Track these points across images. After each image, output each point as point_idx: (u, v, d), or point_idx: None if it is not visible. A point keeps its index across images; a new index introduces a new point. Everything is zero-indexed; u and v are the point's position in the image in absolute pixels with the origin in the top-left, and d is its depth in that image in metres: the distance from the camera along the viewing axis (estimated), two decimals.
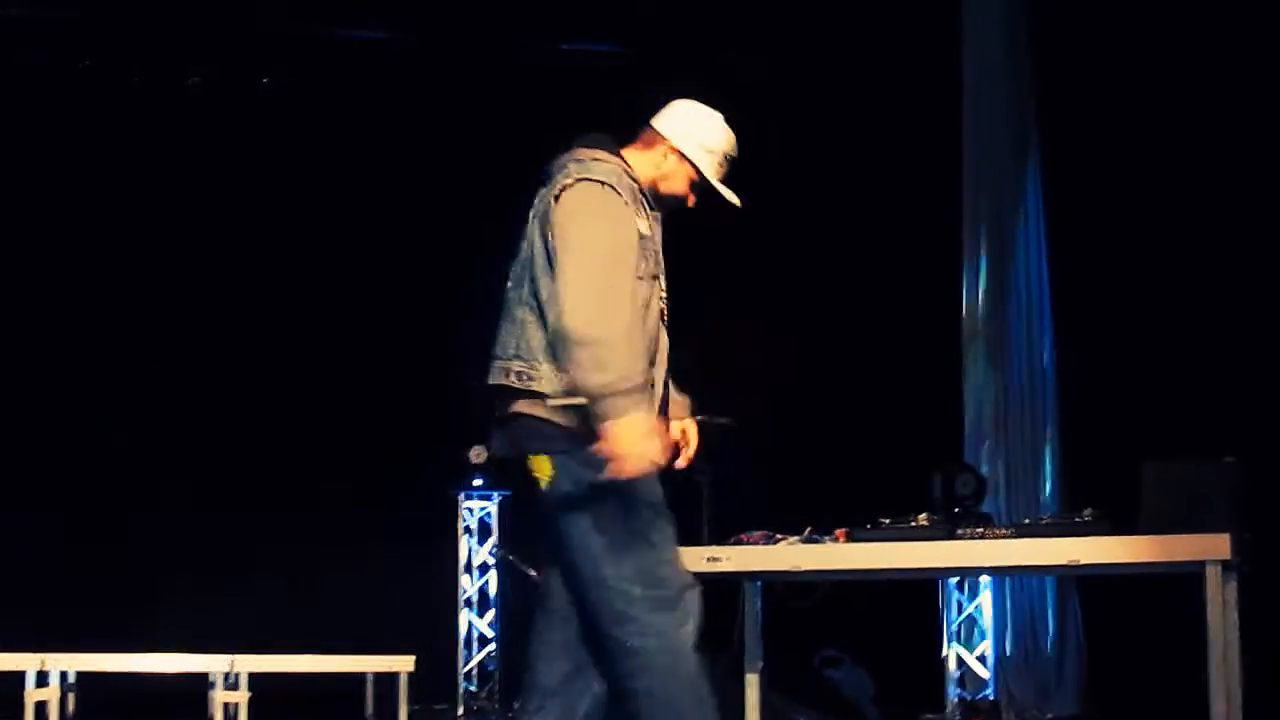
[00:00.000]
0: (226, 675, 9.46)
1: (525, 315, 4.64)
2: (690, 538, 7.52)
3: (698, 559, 7.05)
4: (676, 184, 4.84)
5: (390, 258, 11.65)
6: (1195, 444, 7.42)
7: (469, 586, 11.75)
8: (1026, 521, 7.52)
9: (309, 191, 11.63)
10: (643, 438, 4.37)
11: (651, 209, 4.77)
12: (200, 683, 9.69)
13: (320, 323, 11.61)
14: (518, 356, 4.63)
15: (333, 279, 11.63)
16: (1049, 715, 10.04)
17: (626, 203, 4.60)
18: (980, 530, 7.09)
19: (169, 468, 11.37)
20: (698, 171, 4.85)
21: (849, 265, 10.92)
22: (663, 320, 4.74)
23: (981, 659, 10.29)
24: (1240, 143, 9.42)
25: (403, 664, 10.05)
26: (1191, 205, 9.71)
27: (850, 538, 7.14)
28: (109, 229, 11.50)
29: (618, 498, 4.48)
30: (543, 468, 4.58)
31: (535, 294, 4.61)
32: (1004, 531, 7.08)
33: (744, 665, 7.51)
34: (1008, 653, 10.33)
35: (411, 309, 11.57)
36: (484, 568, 11.78)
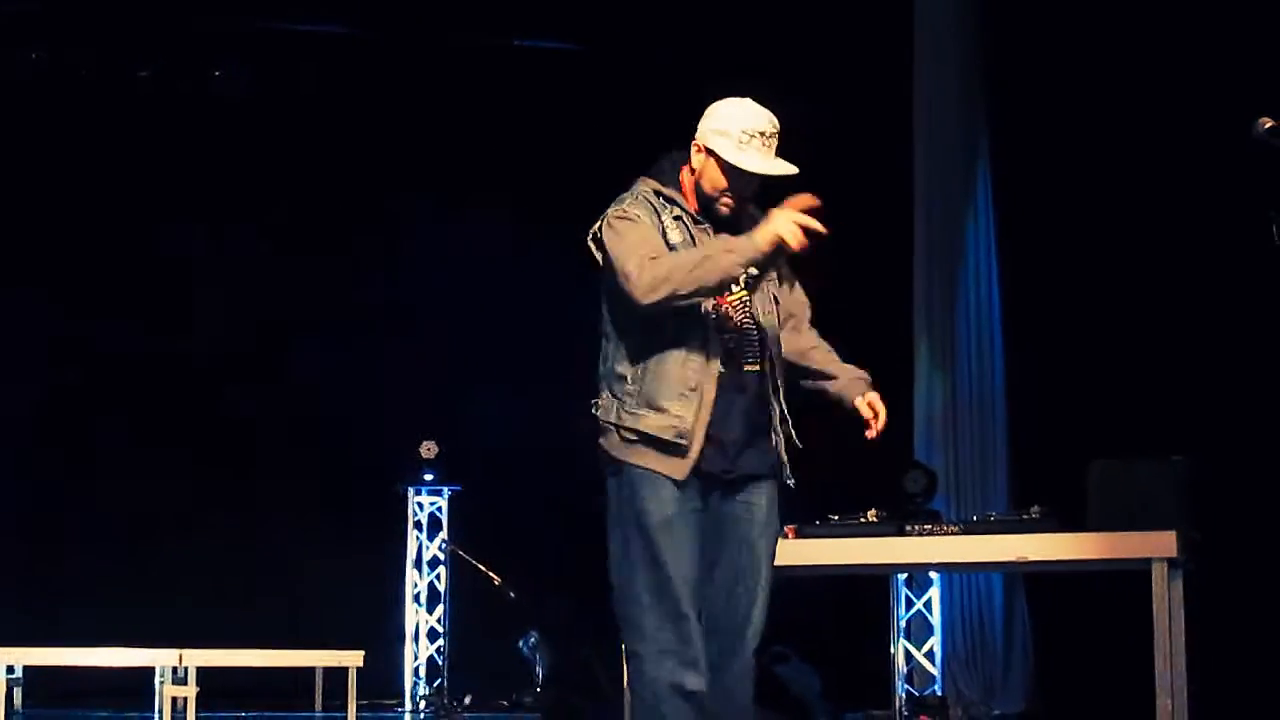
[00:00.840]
0: (174, 670, 9.41)
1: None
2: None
3: None
4: (710, 178, 4.92)
5: (343, 249, 11.64)
6: (1143, 443, 7.48)
7: (418, 581, 11.73)
8: (975, 518, 7.56)
9: (264, 186, 11.61)
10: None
11: (697, 221, 4.92)
12: (148, 676, 9.65)
13: (270, 315, 11.59)
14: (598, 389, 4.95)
15: (286, 271, 11.60)
16: (996, 711, 10.09)
17: (632, 217, 4.85)
18: (929, 527, 7.12)
19: (118, 462, 11.32)
20: (716, 157, 4.91)
21: (804, 262, 10.92)
22: (733, 320, 4.93)
23: (929, 655, 10.33)
24: (1186, 146, 9.46)
25: (352, 659, 10.02)
26: (1138, 209, 9.76)
27: (799, 533, 7.16)
28: (60, 221, 11.45)
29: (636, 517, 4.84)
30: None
31: (600, 330, 4.96)
32: (953, 528, 7.12)
33: None
34: (956, 649, 10.37)
35: (365, 301, 11.56)
36: (433, 562, 11.77)
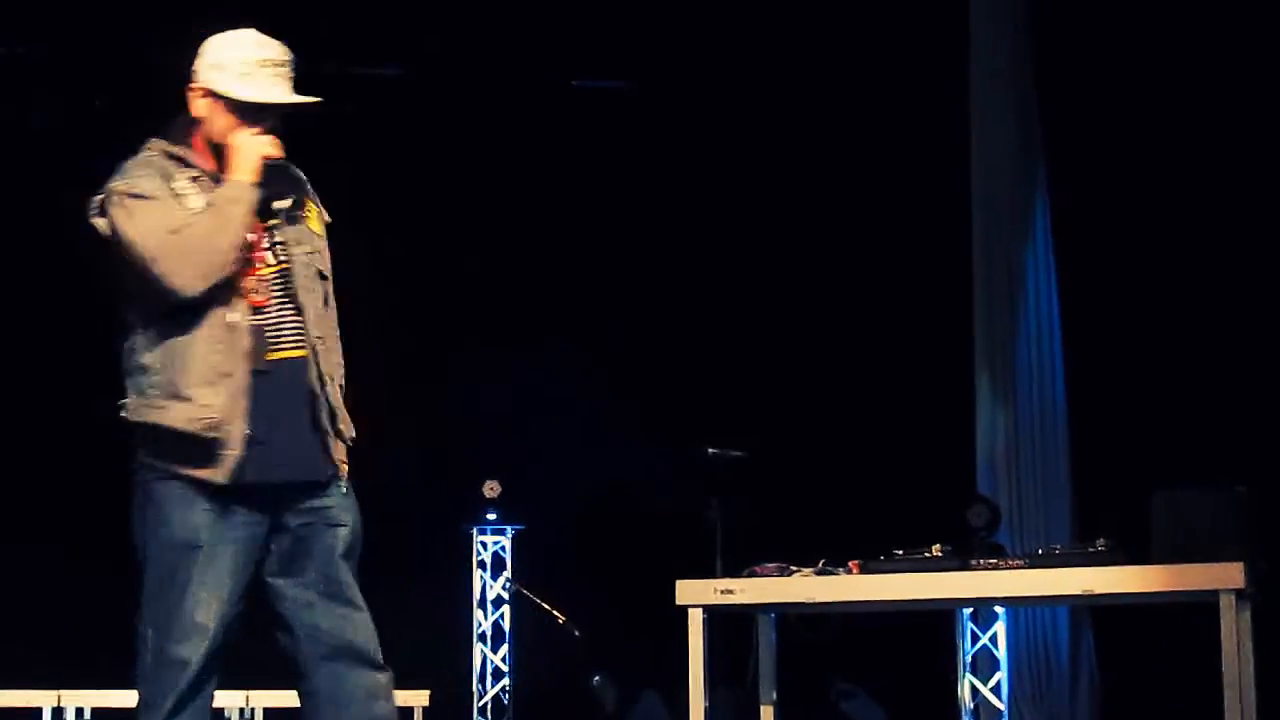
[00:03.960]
0: (242, 710, 9.46)
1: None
2: (704, 569, 7.55)
3: (710, 591, 7.06)
4: (219, 124, 4.35)
5: (394, 286, 11.69)
6: (1208, 473, 7.44)
7: (483, 621, 11.76)
8: (1040, 552, 7.52)
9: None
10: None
11: (217, 181, 4.32)
12: (216, 718, 9.68)
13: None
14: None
15: (344, 306, 11.64)
16: None
17: (146, 194, 4.26)
18: (994, 561, 7.09)
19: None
20: (217, 96, 4.35)
21: (863, 299, 10.94)
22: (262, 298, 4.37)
23: (995, 690, 10.28)
24: (1247, 172, 9.44)
25: (418, 698, 10.04)
26: (1199, 235, 9.73)
27: (864, 569, 7.14)
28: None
29: (149, 532, 4.45)
30: None
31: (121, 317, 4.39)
32: (1018, 562, 7.08)
33: (758, 697, 7.51)
34: (1022, 684, 10.32)
35: (425, 340, 11.60)
36: (498, 602, 11.79)
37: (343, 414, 4.59)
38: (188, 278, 4.18)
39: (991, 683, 10.29)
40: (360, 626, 4.72)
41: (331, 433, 4.55)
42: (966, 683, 10.24)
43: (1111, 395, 10.09)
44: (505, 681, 11.68)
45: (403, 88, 11.80)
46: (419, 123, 11.73)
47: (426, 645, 11.28)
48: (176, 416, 4.24)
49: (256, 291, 4.32)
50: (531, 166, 11.55)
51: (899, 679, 9.62)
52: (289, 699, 9.67)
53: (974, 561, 7.10)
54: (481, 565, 11.82)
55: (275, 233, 4.39)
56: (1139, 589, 6.71)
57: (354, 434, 4.67)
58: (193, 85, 4.37)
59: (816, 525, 9.74)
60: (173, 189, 4.28)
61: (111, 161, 4.35)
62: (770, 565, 7.20)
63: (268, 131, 4.35)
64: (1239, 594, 6.40)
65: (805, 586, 7.09)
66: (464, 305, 11.96)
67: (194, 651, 4.48)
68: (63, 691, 9.35)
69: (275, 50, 4.37)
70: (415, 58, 11.75)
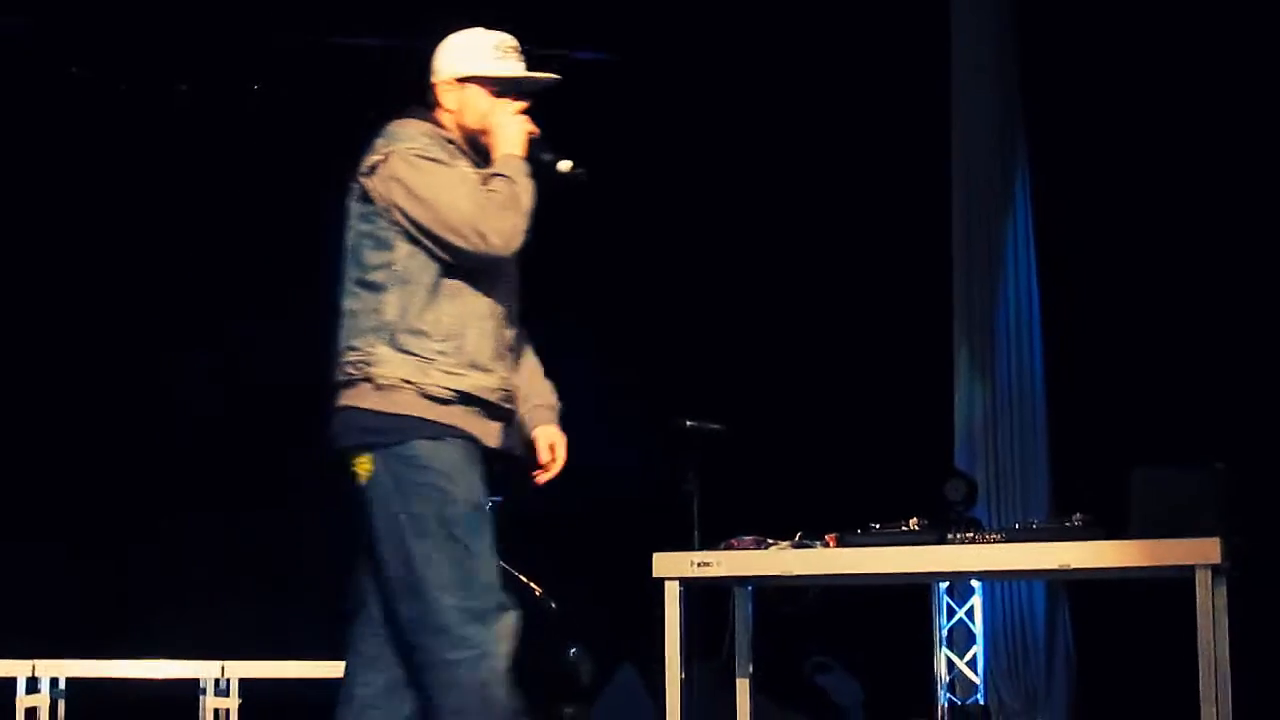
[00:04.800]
0: (217, 681, 9.44)
1: (352, 304, 4.48)
2: (680, 543, 7.54)
3: (687, 564, 7.06)
4: (473, 110, 4.55)
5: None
6: (1186, 450, 7.45)
7: None
8: (1017, 526, 7.53)
9: (301, 199, 11.62)
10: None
11: (477, 164, 4.51)
12: (191, 689, 9.67)
13: (314, 328, 11.59)
14: (350, 348, 4.45)
15: (327, 285, 11.61)
16: None
17: (441, 159, 4.41)
18: (971, 535, 7.09)
19: (165, 473, 11.35)
20: (477, 80, 4.56)
21: (841, 272, 10.93)
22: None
23: (972, 664, 10.30)
24: (1227, 149, 9.44)
25: None
26: (1179, 212, 9.73)
27: (841, 542, 7.15)
28: (100, 237, 11.48)
29: (439, 501, 4.35)
30: (363, 464, 4.44)
31: (359, 280, 4.47)
32: (994, 536, 7.09)
33: (734, 671, 7.51)
34: (998, 658, 10.34)
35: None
36: None
37: None
38: (506, 235, 4.31)
39: (967, 657, 10.31)
40: None
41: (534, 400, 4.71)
42: (942, 656, 10.25)
43: (1090, 371, 10.09)
44: None
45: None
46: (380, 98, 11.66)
47: None
48: (477, 384, 4.36)
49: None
50: None
51: (875, 652, 9.62)
52: (264, 669, 9.72)
53: (951, 535, 7.11)
54: None
55: None
56: (1116, 564, 6.73)
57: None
58: (439, 80, 4.57)
59: (793, 498, 9.75)
60: (455, 162, 4.43)
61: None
62: (747, 538, 7.21)
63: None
64: (1215, 569, 6.42)
65: (782, 559, 7.10)
66: None
67: (498, 595, 4.42)
68: (37, 661, 9.32)
69: (513, 38, 4.59)
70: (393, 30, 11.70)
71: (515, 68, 4.55)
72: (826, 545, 7.15)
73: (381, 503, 4.41)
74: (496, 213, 4.30)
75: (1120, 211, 9.97)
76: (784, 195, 11.03)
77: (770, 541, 7.20)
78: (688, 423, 7.72)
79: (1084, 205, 10.21)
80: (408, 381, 4.32)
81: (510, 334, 4.52)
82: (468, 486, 4.39)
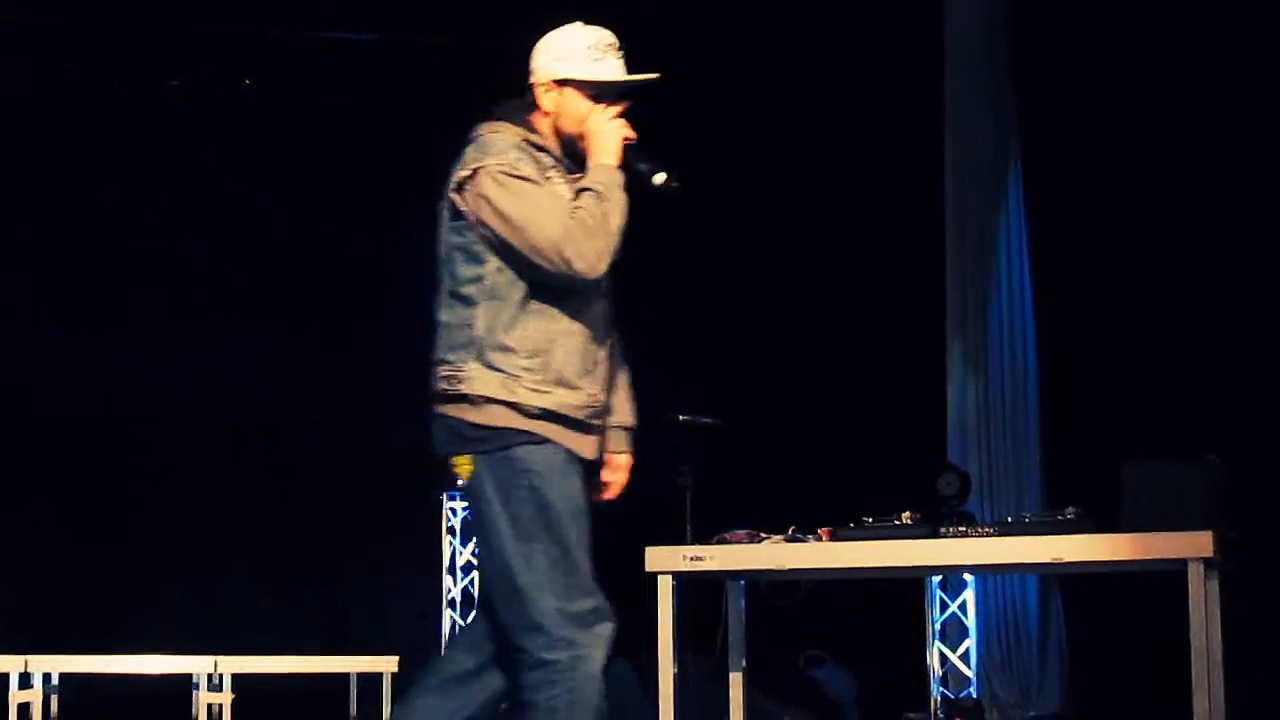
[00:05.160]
0: (210, 676, 9.45)
1: (446, 316, 4.51)
2: (673, 537, 7.54)
3: (680, 558, 7.06)
4: (573, 112, 4.52)
5: (369, 255, 11.65)
6: (1178, 443, 7.45)
7: (453, 587, 11.75)
8: (1010, 520, 7.53)
9: (291, 191, 11.63)
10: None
11: (571, 170, 4.50)
12: (184, 683, 9.68)
13: (303, 319, 11.60)
14: (444, 361, 4.49)
15: (317, 276, 11.62)
16: (1032, 713, 10.07)
17: (530, 177, 4.39)
18: (964, 529, 7.10)
19: (151, 468, 11.35)
20: (574, 83, 4.52)
21: (834, 266, 10.93)
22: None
23: (965, 658, 10.31)
24: (1220, 144, 9.45)
25: (387, 664, 10.06)
26: (1172, 207, 9.73)
27: (834, 536, 7.14)
28: (94, 232, 11.48)
29: (538, 502, 4.39)
30: (463, 464, 4.51)
31: (452, 291, 4.48)
32: (987, 530, 7.09)
33: (727, 665, 7.51)
34: (991, 652, 10.35)
35: (398, 305, 11.55)
36: (467, 568, 11.78)
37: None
38: (591, 260, 4.32)
39: (960, 650, 10.32)
40: None
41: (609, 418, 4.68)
42: (935, 650, 10.26)
43: (1083, 365, 10.10)
44: None
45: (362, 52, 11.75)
46: (370, 89, 11.66)
47: (396, 611, 11.29)
48: (561, 401, 4.40)
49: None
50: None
51: (868, 646, 9.63)
52: (256, 664, 9.73)
53: (944, 529, 7.11)
54: (451, 531, 11.81)
55: None
56: (1108, 557, 6.73)
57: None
58: (536, 81, 4.53)
59: (787, 492, 9.75)
60: (546, 176, 4.41)
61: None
62: (740, 532, 7.20)
63: (620, 114, 4.51)
64: (1207, 563, 6.41)
65: (775, 553, 7.09)
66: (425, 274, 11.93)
67: (597, 599, 4.42)
68: (30, 657, 9.33)
69: (611, 35, 4.54)
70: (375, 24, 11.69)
71: (613, 68, 4.52)
72: (820, 539, 7.15)
73: (484, 501, 4.47)
74: (583, 236, 4.31)
75: (1113, 207, 9.98)
76: (778, 191, 11.02)
77: (763, 535, 7.19)
78: (681, 417, 7.73)
79: (1077, 201, 10.22)
80: (497, 399, 4.38)
81: (601, 350, 4.54)
82: (564, 490, 4.43)
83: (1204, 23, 9.65)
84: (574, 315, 4.45)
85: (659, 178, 4.50)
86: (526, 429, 4.39)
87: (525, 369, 4.38)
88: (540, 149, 4.47)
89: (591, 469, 4.57)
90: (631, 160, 4.50)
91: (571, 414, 4.42)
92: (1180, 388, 9.42)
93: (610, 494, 4.75)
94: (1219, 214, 9.49)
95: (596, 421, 4.51)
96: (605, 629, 4.40)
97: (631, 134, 4.50)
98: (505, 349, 4.39)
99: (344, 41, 11.70)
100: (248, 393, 11.57)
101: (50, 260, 11.52)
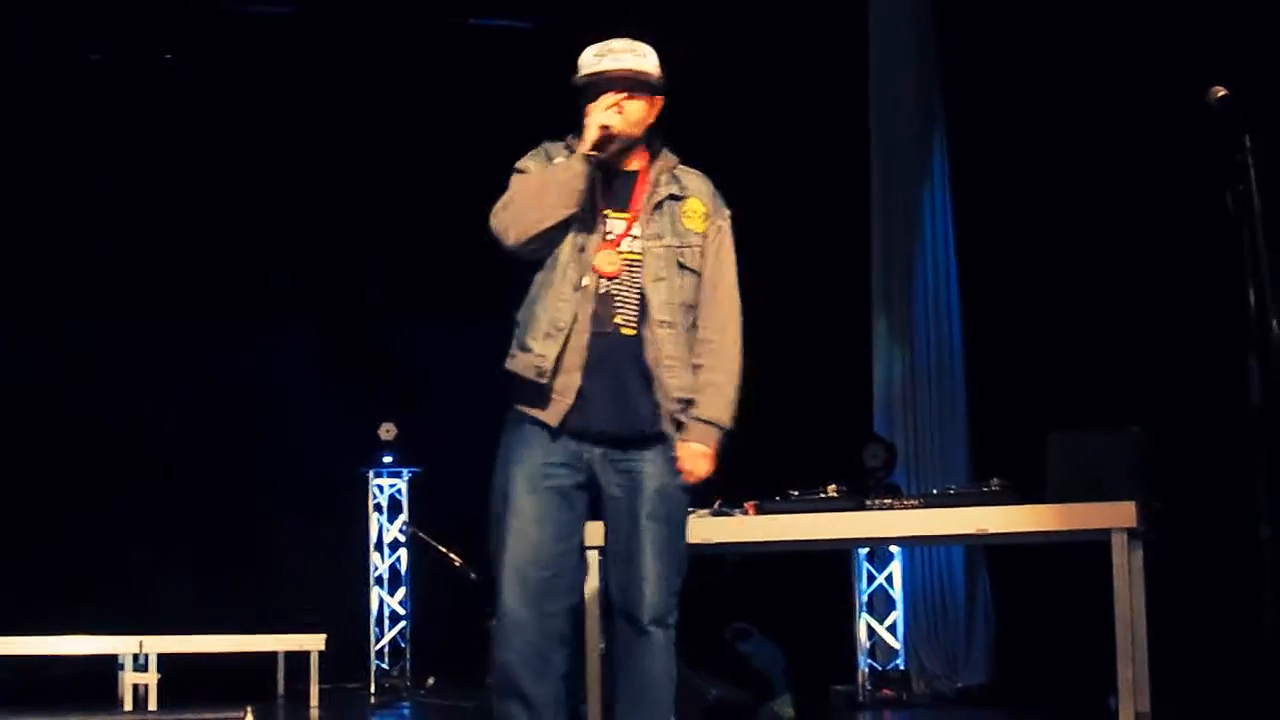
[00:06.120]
0: (136, 657, 9.39)
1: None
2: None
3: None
4: (588, 112, 4.90)
5: (298, 234, 11.58)
6: (1102, 415, 7.49)
7: (379, 564, 11.72)
8: (935, 492, 7.57)
9: (217, 165, 11.54)
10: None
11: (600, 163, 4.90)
12: (109, 664, 9.62)
13: (234, 293, 11.53)
14: None
15: (248, 255, 11.55)
16: (959, 684, 10.12)
17: (522, 169, 4.99)
18: (889, 501, 7.13)
19: (77, 448, 11.27)
20: (579, 86, 4.98)
21: (760, 238, 10.90)
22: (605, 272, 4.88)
23: (892, 629, 10.36)
24: (1140, 118, 9.48)
25: (314, 642, 10.03)
26: (1094, 182, 9.76)
27: (760, 510, 7.16)
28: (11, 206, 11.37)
29: (499, 470, 4.90)
30: None
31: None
32: (913, 501, 7.13)
33: None
34: (918, 623, 10.39)
35: (327, 281, 11.53)
36: (394, 545, 11.75)
37: (673, 396, 4.91)
38: (498, 229, 4.79)
39: (888, 622, 10.37)
40: (639, 590, 4.91)
41: (656, 404, 4.86)
42: (863, 622, 10.30)
43: (1007, 338, 10.13)
44: (402, 625, 11.66)
45: (293, 26, 11.65)
46: (310, 63, 11.57)
47: (323, 589, 11.24)
48: (518, 364, 4.79)
49: (610, 264, 4.82)
50: (426, 109, 11.44)
51: (796, 619, 9.63)
52: (182, 644, 9.67)
53: (870, 501, 7.14)
54: (378, 508, 11.78)
55: (648, 221, 4.95)
56: (1033, 528, 6.77)
57: (688, 413, 4.99)
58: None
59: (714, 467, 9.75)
60: (551, 164, 4.89)
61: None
62: None
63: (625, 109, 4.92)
64: (1131, 533, 6.46)
65: (701, 527, 7.09)
66: (359, 249, 11.88)
67: (547, 570, 4.78)
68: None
69: (619, 42, 5.02)
70: None
71: (595, 65, 4.96)
72: (745, 513, 7.17)
73: None
74: (501, 209, 4.81)
75: (1037, 180, 10.00)
76: (706, 164, 10.99)
77: (689, 510, 7.20)
78: None
79: (1001, 174, 10.24)
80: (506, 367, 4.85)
81: (578, 324, 4.78)
82: (518, 460, 4.81)
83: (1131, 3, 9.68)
84: (545, 286, 4.81)
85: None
86: (512, 399, 4.85)
87: (515, 337, 4.85)
88: (568, 146, 4.91)
89: (616, 443, 4.82)
90: (604, 146, 4.85)
91: (526, 375, 4.76)
92: (1105, 360, 9.46)
93: (687, 480, 4.97)
94: (1143, 188, 9.53)
95: (541, 381, 4.75)
96: (504, 628, 4.75)
97: (610, 124, 4.83)
98: (515, 322, 4.89)
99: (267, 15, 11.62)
100: (177, 367, 11.48)
101: None
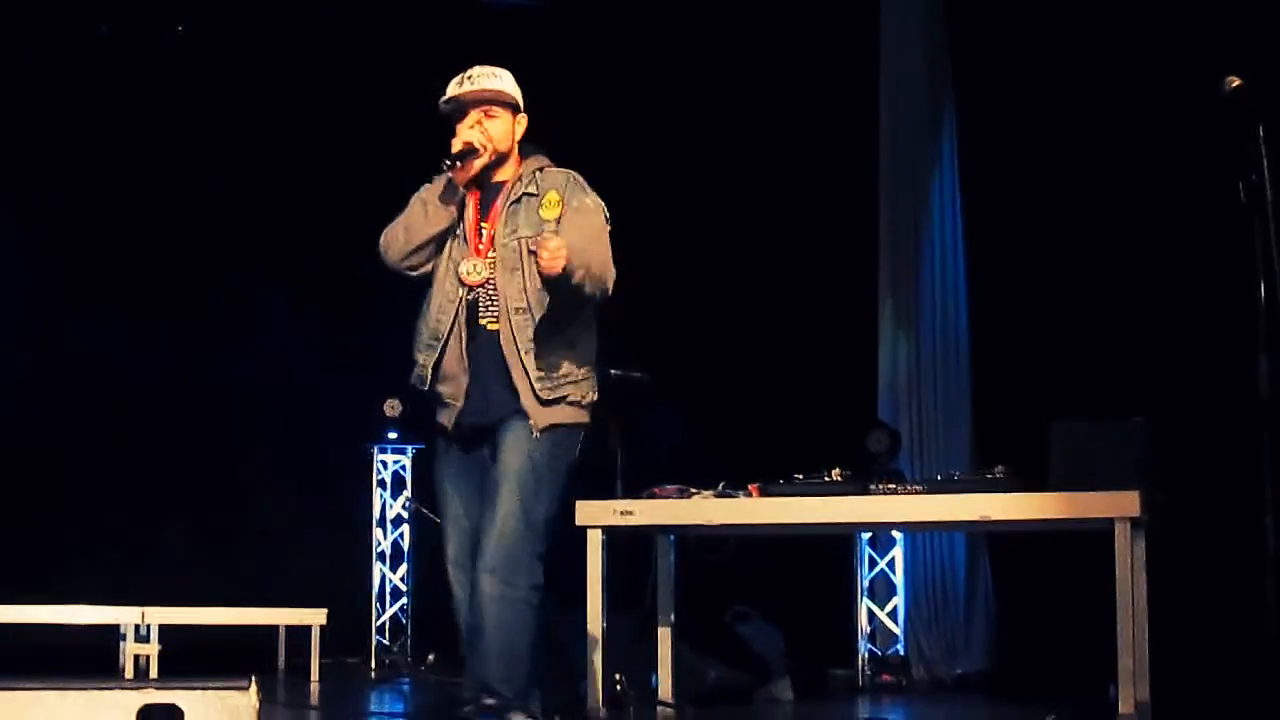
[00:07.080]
0: (137, 627, 9.39)
1: None
2: (604, 492, 7.54)
3: (609, 512, 7.07)
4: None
5: (305, 210, 11.56)
6: (1107, 404, 7.49)
7: (382, 540, 11.72)
8: (938, 478, 7.57)
9: (222, 140, 11.53)
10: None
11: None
12: (111, 635, 9.63)
13: (236, 274, 11.51)
14: None
15: (251, 228, 11.54)
16: (958, 671, 10.11)
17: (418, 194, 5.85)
18: (893, 486, 7.13)
19: (80, 418, 11.26)
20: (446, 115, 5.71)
21: (766, 224, 10.93)
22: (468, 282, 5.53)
23: (892, 615, 10.36)
24: (1152, 107, 9.46)
25: (315, 617, 10.03)
26: (1104, 169, 9.74)
27: (763, 492, 7.17)
28: (18, 182, 11.35)
29: None
30: None
31: None
32: (916, 487, 7.13)
33: (656, 619, 7.53)
34: (919, 609, 10.39)
35: (331, 260, 11.50)
36: (397, 521, 11.76)
37: (533, 376, 5.35)
38: (385, 251, 5.58)
39: (888, 607, 10.37)
40: (490, 539, 5.37)
41: (515, 391, 5.35)
42: (863, 607, 10.31)
43: (1014, 325, 10.11)
44: (403, 601, 11.67)
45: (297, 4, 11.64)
46: (313, 42, 11.56)
47: (325, 564, 11.24)
48: (411, 376, 5.50)
49: (472, 272, 5.42)
50: (433, 89, 11.40)
51: (796, 603, 9.64)
52: (182, 615, 9.68)
53: (873, 486, 7.15)
54: (381, 484, 11.78)
55: (506, 220, 5.46)
56: (1036, 515, 6.78)
57: (549, 393, 5.40)
58: None
59: (717, 448, 9.77)
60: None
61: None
62: (670, 487, 7.22)
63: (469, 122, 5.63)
64: (1134, 522, 6.47)
65: (704, 509, 7.11)
66: (362, 226, 11.86)
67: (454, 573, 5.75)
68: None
69: (478, 68, 5.74)
70: None
71: (458, 90, 5.69)
72: (749, 495, 7.17)
73: None
74: (384, 233, 5.61)
75: (1047, 167, 9.98)
76: (711, 148, 11.00)
77: (693, 491, 7.21)
78: (612, 372, 7.72)
79: (1011, 160, 10.21)
80: None
81: (453, 334, 5.43)
82: (436, 474, 5.63)
83: None
84: (427, 301, 5.51)
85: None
86: None
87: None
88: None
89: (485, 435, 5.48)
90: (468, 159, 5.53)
91: (415, 385, 5.53)
92: (1110, 350, 9.45)
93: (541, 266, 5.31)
94: (1153, 178, 9.51)
95: (421, 388, 5.50)
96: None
97: (471, 140, 5.54)
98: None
99: None
100: (178, 341, 11.47)
101: None
